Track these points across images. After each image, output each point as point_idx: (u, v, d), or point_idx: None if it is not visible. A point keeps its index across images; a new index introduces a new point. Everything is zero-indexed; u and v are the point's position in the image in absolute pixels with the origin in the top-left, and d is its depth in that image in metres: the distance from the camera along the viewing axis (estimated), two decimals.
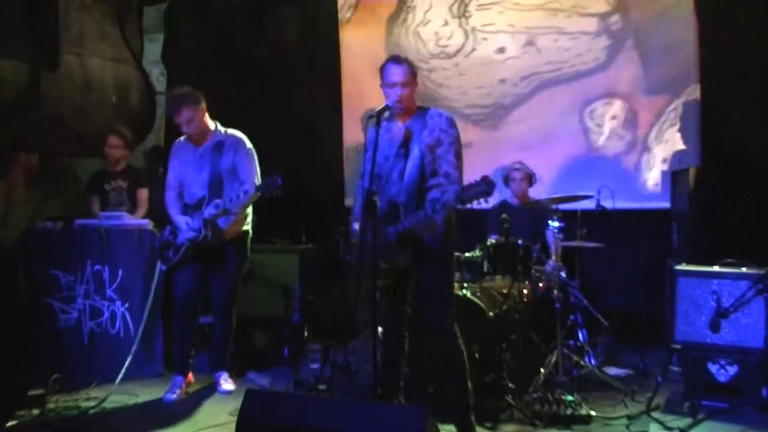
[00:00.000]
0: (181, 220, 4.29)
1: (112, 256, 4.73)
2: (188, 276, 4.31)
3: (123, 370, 4.36)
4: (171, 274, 4.42)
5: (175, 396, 4.23)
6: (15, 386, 3.83)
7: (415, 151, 3.35)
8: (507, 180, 5.18)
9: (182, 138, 4.46)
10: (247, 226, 4.47)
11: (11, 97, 5.37)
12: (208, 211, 4.14)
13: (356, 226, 3.53)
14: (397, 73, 3.35)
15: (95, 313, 4.73)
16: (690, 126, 5.47)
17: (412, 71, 3.40)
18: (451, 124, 3.39)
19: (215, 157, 4.30)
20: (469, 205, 3.06)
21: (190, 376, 4.45)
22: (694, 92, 5.44)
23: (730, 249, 4.13)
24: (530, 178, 5.18)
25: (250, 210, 4.46)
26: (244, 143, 4.37)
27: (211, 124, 4.39)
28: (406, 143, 3.39)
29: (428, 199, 3.28)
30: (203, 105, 4.30)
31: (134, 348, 4.52)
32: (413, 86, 3.41)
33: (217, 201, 4.12)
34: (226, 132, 4.39)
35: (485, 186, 2.93)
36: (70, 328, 4.71)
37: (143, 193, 5.40)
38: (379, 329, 3.40)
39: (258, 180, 4.27)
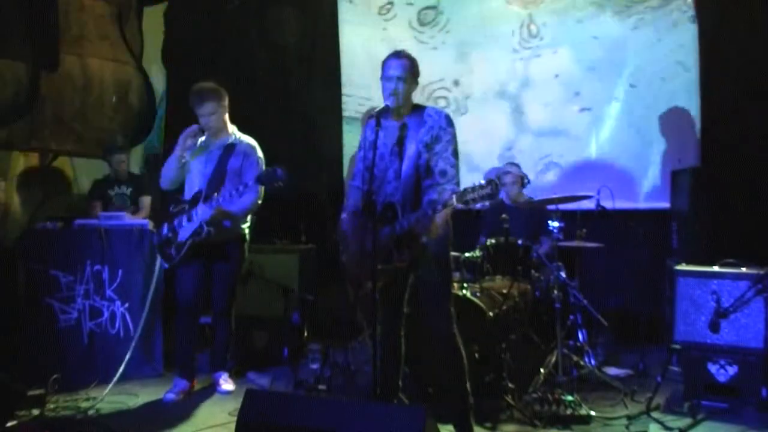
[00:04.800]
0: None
1: (112, 256, 4.73)
2: (192, 275, 4.30)
3: (121, 369, 4.37)
4: (173, 272, 4.40)
5: (175, 397, 4.23)
6: (15, 386, 3.82)
7: (410, 150, 3.32)
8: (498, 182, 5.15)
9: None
10: (247, 229, 4.47)
11: (11, 97, 5.37)
12: (204, 211, 4.11)
13: (344, 215, 3.54)
14: (395, 67, 3.33)
15: (95, 313, 4.73)
16: (690, 126, 5.48)
17: (413, 69, 3.37)
18: (449, 122, 3.37)
19: (224, 157, 4.30)
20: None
21: (195, 382, 4.44)
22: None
23: (730, 249, 4.13)
24: (522, 180, 5.17)
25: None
26: (255, 151, 4.39)
27: (230, 126, 4.41)
28: (401, 142, 3.36)
29: (425, 201, 3.26)
30: (226, 103, 4.34)
31: (132, 347, 4.52)
32: (411, 84, 3.38)
33: (214, 195, 4.08)
34: (240, 137, 4.41)
35: (491, 189, 2.92)
36: (69, 328, 4.70)
37: (146, 200, 5.49)
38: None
39: (261, 191, 4.28)
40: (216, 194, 4.09)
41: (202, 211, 4.14)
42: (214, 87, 4.29)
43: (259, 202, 4.29)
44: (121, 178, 5.54)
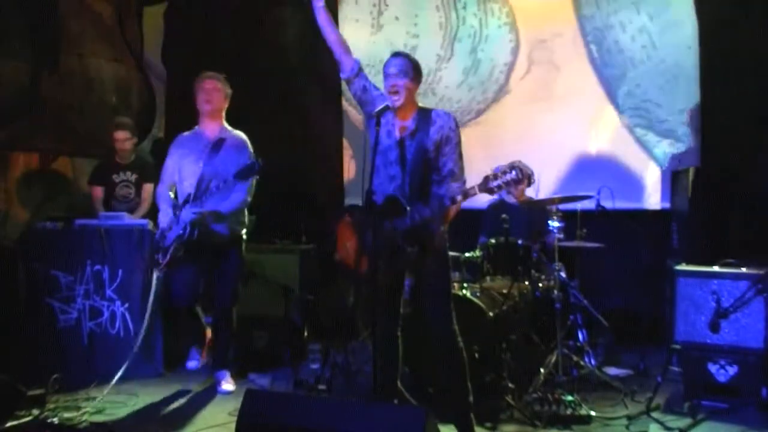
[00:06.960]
0: (163, 215, 4.34)
1: (112, 257, 4.72)
2: (186, 277, 4.34)
3: (122, 370, 4.32)
4: (169, 274, 4.41)
5: (198, 363, 4.42)
6: (15, 386, 3.82)
7: (416, 148, 3.33)
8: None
9: (186, 132, 4.50)
10: (244, 234, 4.48)
11: (11, 97, 5.37)
12: (187, 213, 4.17)
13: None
14: (395, 65, 3.35)
15: (95, 314, 4.72)
16: (690, 126, 5.48)
17: (413, 67, 3.37)
18: (457, 124, 3.41)
19: (212, 156, 4.30)
20: (469, 204, 3.06)
21: (208, 332, 4.57)
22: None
23: (730, 249, 4.13)
24: (529, 179, 5.16)
25: (245, 214, 4.48)
26: (245, 144, 4.41)
27: (224, 121, 4.45)
28: (405, 142, 3.37)
29: (434, 195, 3.29)
30: (228, 93, 4.43)
31: (137, 346, 4.51)
32: (411, 82, 3.36)
33: (202, 197, 4.18)
34: (230, 132, 4.43)
35: (515, 174, 2.89)
36: (70, 328, 4.70)
37: (148, 188, 5.38)
38: None
39: (252, 186, 4.34)
40: (203, 196, 4.17)
41: (185, 214, 4.19)
42: (223, 77, 4.43)
43: (249, 199, 4.34)
44: (123, 160, 5.37)
